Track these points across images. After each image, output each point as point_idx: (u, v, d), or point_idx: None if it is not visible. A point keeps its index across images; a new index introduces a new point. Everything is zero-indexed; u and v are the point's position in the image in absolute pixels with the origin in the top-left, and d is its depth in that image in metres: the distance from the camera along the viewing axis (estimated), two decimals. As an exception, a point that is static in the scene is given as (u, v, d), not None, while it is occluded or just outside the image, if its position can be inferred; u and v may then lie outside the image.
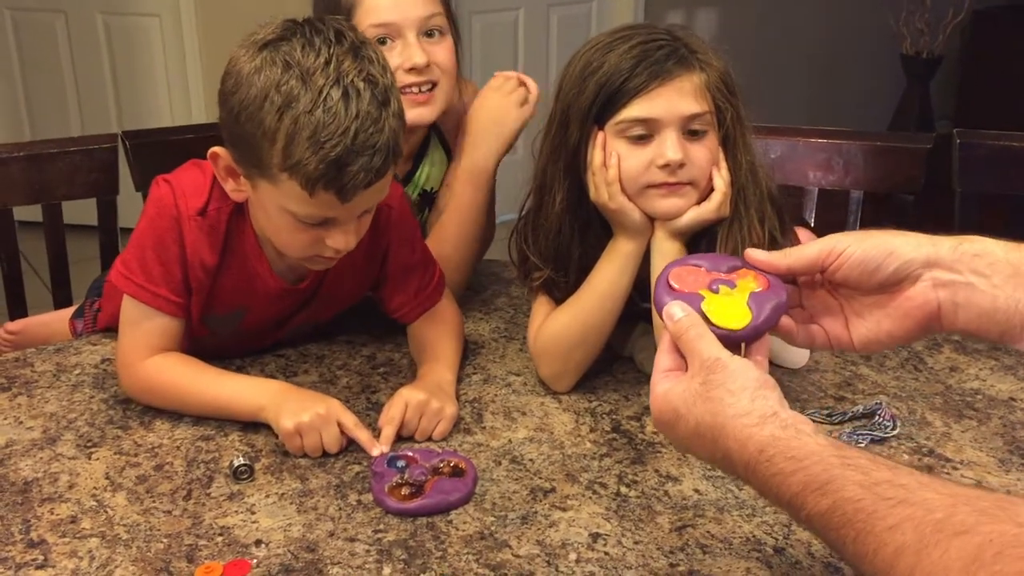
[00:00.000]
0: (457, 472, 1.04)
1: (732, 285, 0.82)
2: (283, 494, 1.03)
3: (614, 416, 1.17)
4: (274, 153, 1.03)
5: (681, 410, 0.74)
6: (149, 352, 1.16)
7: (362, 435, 1.08)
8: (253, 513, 1.00)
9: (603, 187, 1.10)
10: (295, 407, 1.09)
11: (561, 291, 1.19)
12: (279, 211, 1.08)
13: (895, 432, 1.13)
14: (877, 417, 1.14)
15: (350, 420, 1.09)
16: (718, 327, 0.78)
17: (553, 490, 1.04)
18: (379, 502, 1.01)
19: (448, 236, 1.40)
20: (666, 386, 0.77)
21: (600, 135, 1.10)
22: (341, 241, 1.09)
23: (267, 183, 1.06)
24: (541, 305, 1.21)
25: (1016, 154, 1.68)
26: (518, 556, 0.94)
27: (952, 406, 1.19)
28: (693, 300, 0.80)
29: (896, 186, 1.73)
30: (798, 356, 1.25)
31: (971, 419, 1.16)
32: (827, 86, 4.36)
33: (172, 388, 1.16)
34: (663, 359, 0.79)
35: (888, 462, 0.67)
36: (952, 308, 0.78)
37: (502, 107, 1.39)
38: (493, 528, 0.98)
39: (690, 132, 1.08)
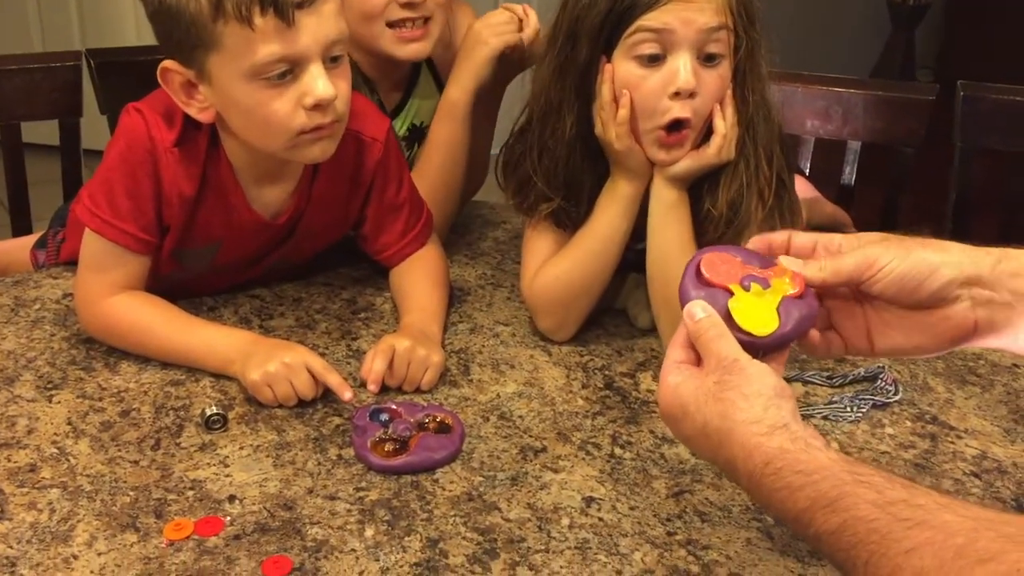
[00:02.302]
0: (443, 428, 0.99)
1: (766, 284, 0.75)
2: (258, 446, 0.97)
3: (606, 372, 1.12)
4: (200, 8, 0.96)
5: (690, 407, 0.70)
6: (112, 291, 1.09)
7: (332, 379, 1.02)
8: (226, 466, 0.95)
9: (611, 125, 1.03)
10: (260, 358, 1.03)
11: (572, 222, 1.12)
12: (242, 85, 0.98)
13: (897, 397, 1.09)
14: (879, 381, 1.10)
15: (318, 364, 1.03)
16: (742, 331, 0.73)
17: (544, 450, 0.99)
18: (361, 458, 0.96)
19: (426, 173, 1.32)
20: (677, 379, 0.72)
21: (609, 68, 1.03)
22: (321, 87, 0.99)
23: (216, 56, 0.98)
24: (540, 242, 1.14)
25: (1021, 108, 1.62)
26: (508, 520, 0.89)
27: (954, 371, 1.15)
28: (721, 296, 0.75)
29: (896, 138, 1.67)
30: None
31: (974, 385, 1.12)
32: (811, 31, 4.27)
33: (136, 331, 1.09)
34: (675, 351, 0.74)
35: (903, 480, 0.62)
36: (988, 326, 0.75)
37: (479, 35, 1.31)
38: (481, 489, 0.93)
39: (706, 57, 1.01)
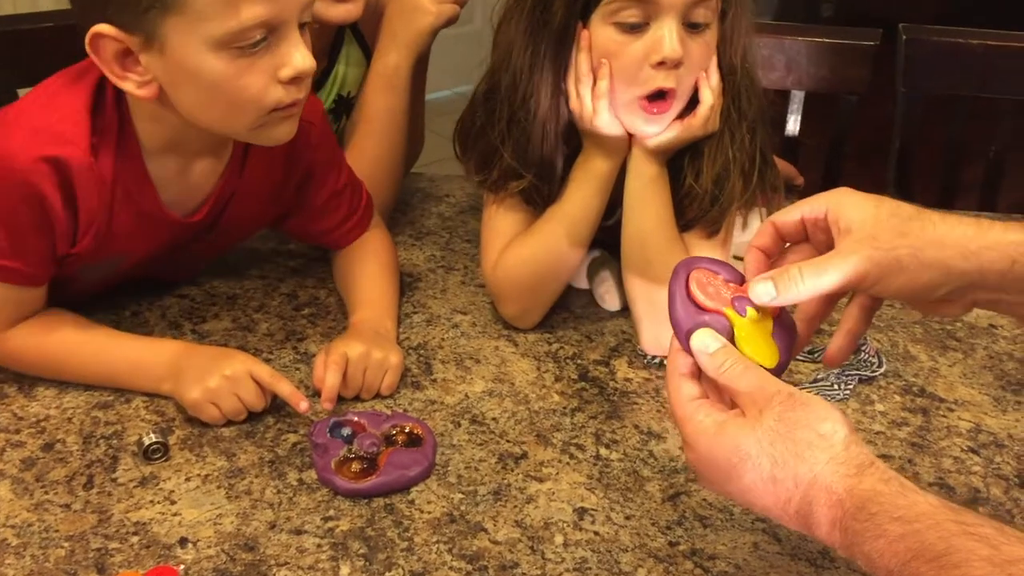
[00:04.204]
0: (413, 440, 0.90)
1: (751, 304, 0.69)
2: (207, 476, 0.87)
3: (579, 361, 1.04)
4: None
5: (750, 450, 0.61)
6: (5, 325, 0.94)
7: (283, 387, 0.92)
8: (173, 503, 0.84)
9: (587, 98, 0.94)
10: (196, 372, 0.91)
11: (543, 199, 1.02)
12: (207, 54, 0.83)
13: (882, 370, 1.04)
14: (862, 354, 1.05)
15: (265, 372, 0.92)
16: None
17: (525, 456, 0.91)
18: (325, 481, 0.86)
19: (364, 150, 1.21)
20: (715, 418, 0.63)
21: (586, 34, 0.93)
22: (299, 58, 0.85)
23: (176, 19, 0.81)
24: (504, 221, 1.05)
25: (963, 51, 1.59)
26: (497, 542, 0.81)
27: (934, 336, 1.11)
28: (718, 322, 0.68)
29: (841, 86, 1.62)
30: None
31: (956, 351, 1.08)
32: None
33: (46, 360, 0.96)
34: (687, 385, 0.66)
35: (1018, 533, 0.55)
36: (989, 308, 0.71)
37: (420, 2, 1.19)
38: (463, 508, 0.85)
39: (690, 25, 0.92)
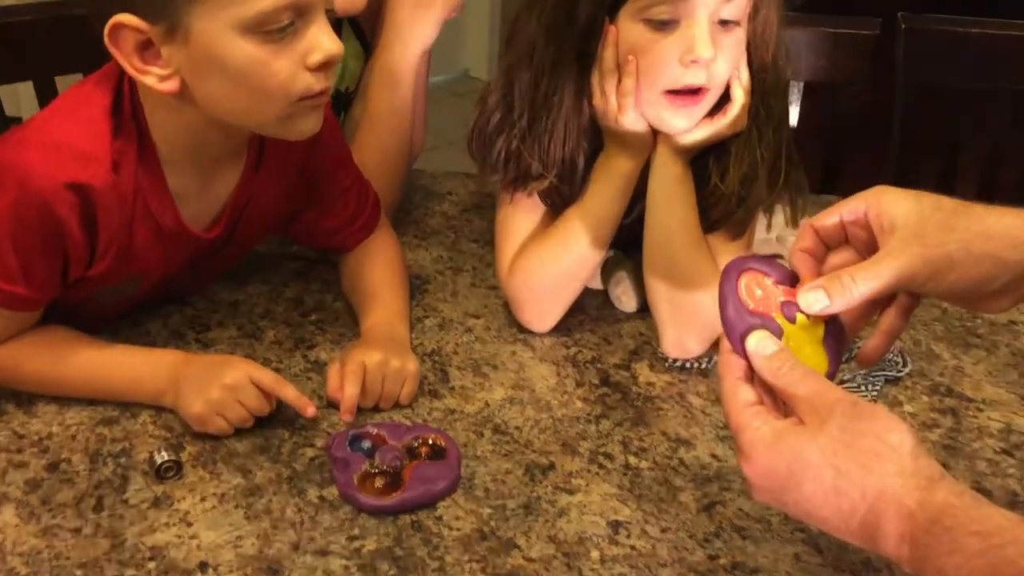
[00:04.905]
0: (437, 452, 0.87)
1: (798, 309, 0.66)
2: (223, 495, 0.83)
3: (599, 365, 1.01)
4: None
5: (812, 459, 0.58)
6: None
7: (287, 392, 0.88)
8: (189, 524, 0.80)
9: (613, 96, 0.90)
10: (196, 384, 0.88)
11: (563, 201, 0.99)
12: (234, 40, 0.79)
13: (907, 370, 1.02)
14: (888, 353, 1.03)
15: (266, 377, 0.88)
16: None
17: (552, 467, 0.88)
18: (348, 498, 0.83)
19: (369, 148, 1.17)
20: (772, 426, 0.60)
21: (612, 31, 0.90)
22: (328, 42, 0.82)
23: (200, 6, 0.77)
24: (521, 221, 1.01)
25: (964, 41, 1.57)
26: (531, 559, 0.78)
27: (955, 334, 1.09)
28: (771, 327, 0.65)
29: (840, 76, 1.59)
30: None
31: (979, 348, 1.07)
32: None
33: (40, 377, 0.91)
34: (742, 390, 0.63)
35: None
36: None
37: None
38: (493, 523, 0.81)
39: (721, 22, 0.89)
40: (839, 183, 1.62)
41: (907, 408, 0.97)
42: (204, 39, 0.79)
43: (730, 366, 0.65)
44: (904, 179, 1.69)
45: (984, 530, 0.53)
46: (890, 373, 1.01)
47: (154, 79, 0.82)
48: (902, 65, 1.58)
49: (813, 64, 1.59)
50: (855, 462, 0.57)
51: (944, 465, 0.90)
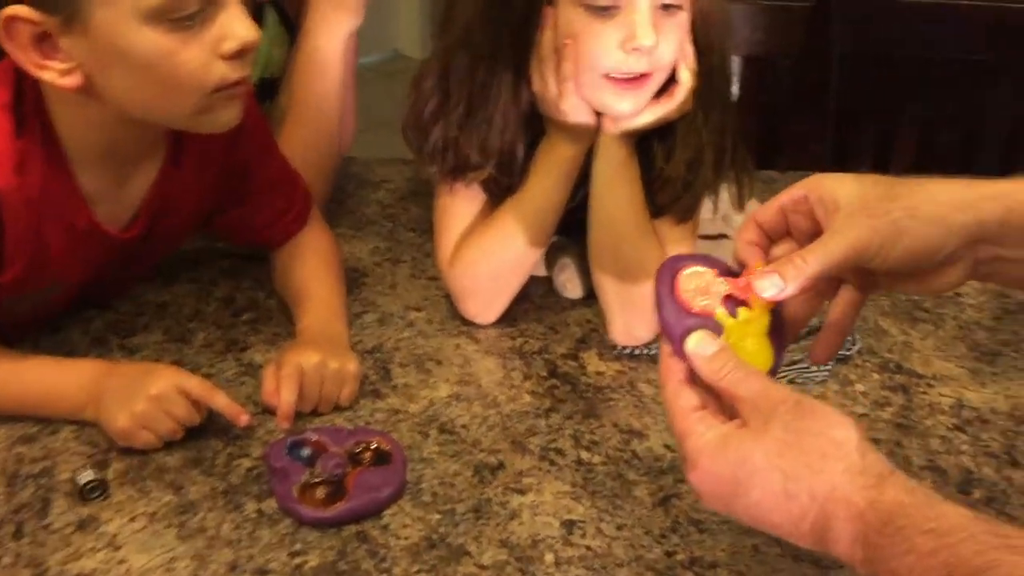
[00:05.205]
0: (381, 457, 0.83)
1: (748, 305, 0.64)
2: (154, 514, 0.78)
3: (546, 356, 0.98)
4: None
5: (758, 463, 0.55)
6: None
7: (218, 400, 0.84)
8: (118, 548, 0.75)
9: (552, 80, 0.87)
10: (118, 396, 0.82)
11: (504, 190, 0.95)
12: (138, 30, 0.74)
13: (857, 347, 1.01)
14: (836, 332, 1.02)
15: (195, 385, 0.83)
16: None
17: (502, 466, 0.84)
18: (288, 510, 0.78)
19: (296, 138, 1.11)
20: (717, 431, 0.58)
21: (550, 13, 0.86)
22: (242, 29, 0.77)
23: None
24: (460, 211, 0.97)
25: (898, 9, 1.57)
26: (483, 567, 0.75)
27: (901, 308, 1.08)
28: (710, 326, 0.62)
29: (774, 50, 1.58)
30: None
31: (926, 323, 1.06)
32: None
33: None
34: (686, 394, 0.60)
35: None
36: (987, 278, 0.68)
37: None
38: (442, 530, 0.78)
39: (664, 6, 0.85)
40: (777, 157, 1.61)
41: (858, 387, 0.96)
42: (105, 29, 0.74)
43: (671, 370, 0.62)
44: (841, 150, 1.69)
45: (937, 528, 0.51)
46: (840, 351, 1.00)
47: (54, 74, 0.76)
48: (837, 35, 1.57)
49: (748, 37, 1.57)
50: (801, 463, 0.55)
51: (897, 444, 0.89)
